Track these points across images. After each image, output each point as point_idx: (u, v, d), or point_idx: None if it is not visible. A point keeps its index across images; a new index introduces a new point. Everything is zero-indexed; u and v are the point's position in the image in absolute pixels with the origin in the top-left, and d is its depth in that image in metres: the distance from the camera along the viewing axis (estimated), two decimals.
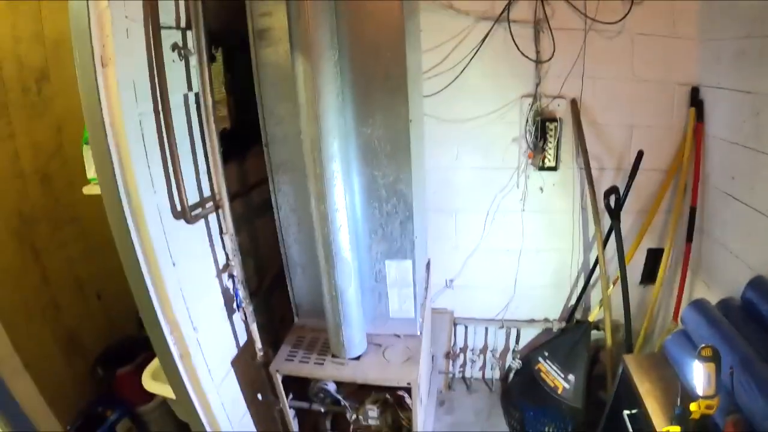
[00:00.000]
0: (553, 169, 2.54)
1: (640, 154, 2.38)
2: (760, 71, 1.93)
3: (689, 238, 2.45)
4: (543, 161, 2.51)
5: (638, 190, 2.55)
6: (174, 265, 1.53)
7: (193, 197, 1.64)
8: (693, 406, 1.57)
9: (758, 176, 1.98)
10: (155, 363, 2.10)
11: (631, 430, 1.95)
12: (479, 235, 2.85)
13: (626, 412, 2.02)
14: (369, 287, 1.85)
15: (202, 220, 1.71)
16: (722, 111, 2.22)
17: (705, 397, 1.52)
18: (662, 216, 2.65)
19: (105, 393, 2.64)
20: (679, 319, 2.40)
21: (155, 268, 1.46)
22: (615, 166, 2.58)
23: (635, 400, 1.96)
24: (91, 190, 1.55)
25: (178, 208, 1.53)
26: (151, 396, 2.62)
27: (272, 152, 1.71)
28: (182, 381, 1.67)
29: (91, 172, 1.54)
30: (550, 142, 2.45)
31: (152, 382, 2.23)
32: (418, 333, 1.96)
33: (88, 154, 1.46)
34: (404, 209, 1.68)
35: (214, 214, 1.76)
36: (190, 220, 1.56)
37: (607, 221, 2.53)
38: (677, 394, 1.80)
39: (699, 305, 1.99)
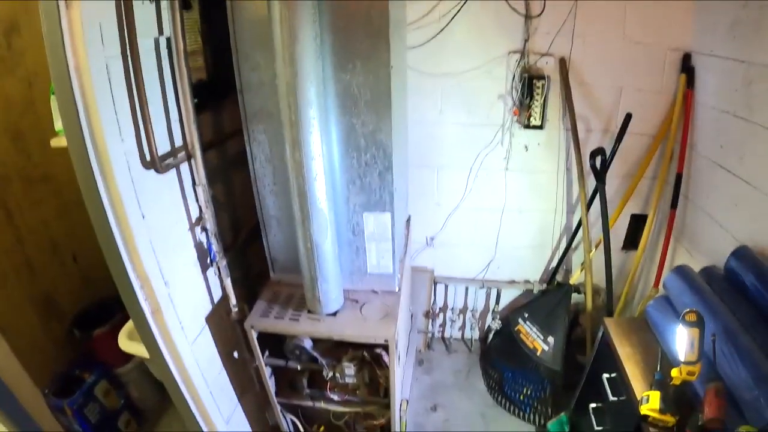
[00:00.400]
0: (539, 127, 2.49)
1: (628, 117, 2.33)
2: (756, 41, 1.88)
3: (674, 205, 2.43)
4: (529, 119, 2.46)
5: (624, 155, 2.52)
6: (143, 217, 1.47)
7: (164, 147, 1.57)
8: (674, 372, 1.56)
9: (747, 146, 1.95)
10: (131, 323, 2.07)
11: (609, 393, 1.95)
12: (461, 192, 2.82)
13: (605, 375, 2.01)
14: (346, 241, 1.81)
15: (174, 171, 1.64)
16: (713, 79, 2.18)
17: (687, 363, 1.51)
18: (647, 182, 2.63)
19: (82, 355, 2.60)
20: (660, 285, 2.40)
21: (123, 219, 1.40)
22: (602, 128, 2.53)
23: (615, 364, 1.96)
24: (59, 142, 1.46)
25: (148, 157, 1.46)
26: (129, 357, 2.60)
27: (247, 100, 1.64)
28: (154, 338, 1.63)
29: (59, 124, 1.46)
30: (537, 100, 2.40)
31: (128, 342, 2.21)
32: (397, 289, 1.94)
33: (55, 104, 1.38)
34: (383, 160, 1.63)
35: (186, 164, 1.69)
36: (160, 170, 1.49)
37: (591, 183, 2.51)
38: (657, 359, 1.79)
39: (682, 271, 1.97)
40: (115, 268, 1.46)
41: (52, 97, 1.36)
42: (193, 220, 1.75)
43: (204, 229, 1.75)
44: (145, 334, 1.63)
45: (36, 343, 2.42)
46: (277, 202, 1.77)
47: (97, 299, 2.72)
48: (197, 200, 1.73)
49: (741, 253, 1.82)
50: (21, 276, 2.39)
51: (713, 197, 2.19)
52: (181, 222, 1.70)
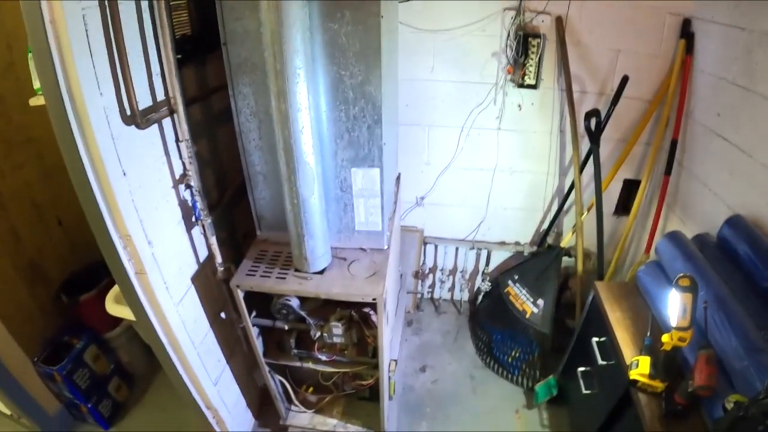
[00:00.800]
0: (533, 87, 2.45)
1: (625, 79, 2.28)
2: (758, 8, 1.83)
3: (668, 171, 2.39)
4: (523, 78, 2.41)
5: (619, 119, 2.48)
6: (124, 174, 1.43)
7: (145, 101, 1.52)
8: (665, 337, 1.55)
9: (745, 115, 1.91)
10: (118, 286, 2.04)
11: (599, 357, 1.96)
12: (452, 152, 2.79)
13: (595, 339, 2.02)
14: (334, 197, 1.77)
15: (156, 127, 1.59)
16: (713, 46, 2.13)
17: (678, 329, 1.49)
18: (641, 147, 2.60)
19: (70, 321, 2.57)
20: (652, 251, 2.39)
21: (103, 176, 1.36)
22: (597, 90, 2.49)
23: (604, 328, 1.96)
24: (38, 101, 1.41)
25: (128, 112, 1.41)
26: (117, 321, 2.59)
27: (231, 51, 1.57)
28: (139, 300, 1.61)
29: (37, 83, 1.41)
30: (532, 59, 2.34)
31: (115, 305, 2.19)
32: (385, 247, 1.91)
33: (33, 62, 1.32)
34: (372, 113, 1.58)
35: (169, 119, 1.64)
36: (141, 125, 1.44)
37: (585, 147, 2.48)
38: (648, 324, 1.79)
39: (675, 237, 1.96)
40: (97, 228, 1.43)
41: (30, 56, 1.31)
42: (177, 177, 1.71)
43: (188, 186, 1.71)
44: (129, 295, 1.61)
45: (23, 310, 2.39)
46: (263, 157, 1.72)
47: (84, 264, 2.69)
48: (180, 157, 1.69)
49: (735, 222, 1.80)
50: (6, 243, 2.34)
51: (708, 165, 2.15)
52: (164, 179, 1.66)
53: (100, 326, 2.58)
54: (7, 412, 2.44)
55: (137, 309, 1.65)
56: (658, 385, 1.58)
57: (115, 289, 2.21)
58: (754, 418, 1.06)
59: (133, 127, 1.44)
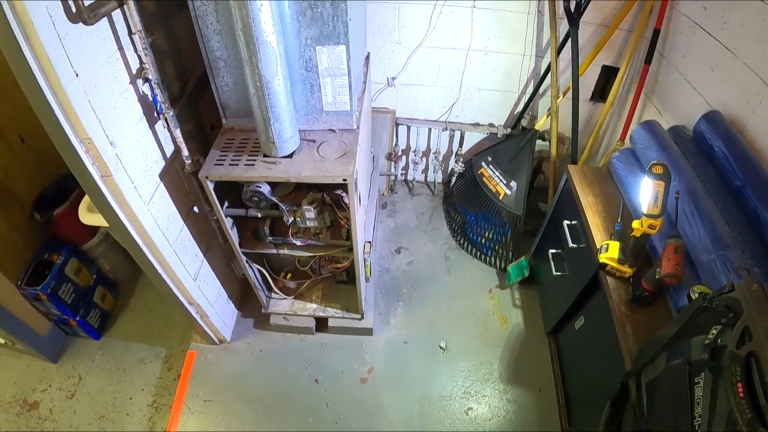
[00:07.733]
0: None
1: None
2: None
3: (648, 60, 2.32)
4: None
5: (601, 3, 2.37)
6: (77, 75, 1.34)
7: None
8: (635, 224, 1.58)
9: (732, 11, 1.81)
10: None
11: (569, 240, 2.01)
12: (424, 30, 2.66)
13: (566, 222, 2.07)
14: (299, 78, 1.68)
15: (106, 21, 1.46)
16: None
17: (649, 216, 1.52)
18: (622, 34, 2.50)
19: (48, 238, 2.53)
20: (627, 139, 2.39)
21: (54, 80, 1.27)
22: None
23: (576, 212, 2.00)
24: None
25: (73, 9, 1.29)
26: (94, 231, 2.58)
27: None
28: (108, 203, 1.58)
29: None
30: None
31: (88, 214, 2.16)
32: (355, 127, 1.86)
33: None
34: None
35: (119, 11, 1.50)
36: (88, 21, 1.31)
37: (564, 29, 2.38)
38: (619, 210, 1.83)
39: (651, 126, 1.94)
40: (55, 134, 1.37)
41: None
42: (134, 72, 1.60)
43: (146, 80, 1.60)
44: (98, 200, 1.58)
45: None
46: (223, 41, 1.60)
47: (53, 180, 2.58)
48: (135, 50, 1.57)
49: (712, 118, 1.78)
50: None
51: (690, 58, 2.08)
52: (120, 75, 1.56)
53: (77, 239, 2.56)
54: (1, 340, 2.47)
55: (108, 213, 1.63)
56: (627, 270, 1.64)
57: (87, 198, 2.17)
58: (717, 309, 1.10)
59: (80, 24, 1.32)
